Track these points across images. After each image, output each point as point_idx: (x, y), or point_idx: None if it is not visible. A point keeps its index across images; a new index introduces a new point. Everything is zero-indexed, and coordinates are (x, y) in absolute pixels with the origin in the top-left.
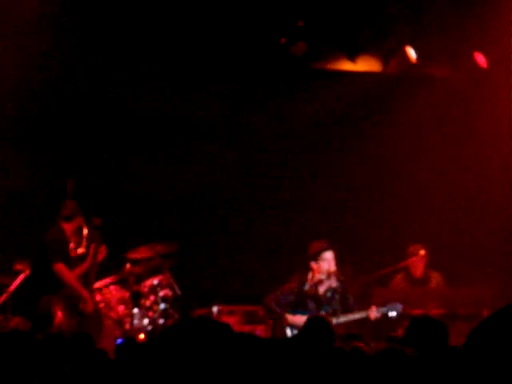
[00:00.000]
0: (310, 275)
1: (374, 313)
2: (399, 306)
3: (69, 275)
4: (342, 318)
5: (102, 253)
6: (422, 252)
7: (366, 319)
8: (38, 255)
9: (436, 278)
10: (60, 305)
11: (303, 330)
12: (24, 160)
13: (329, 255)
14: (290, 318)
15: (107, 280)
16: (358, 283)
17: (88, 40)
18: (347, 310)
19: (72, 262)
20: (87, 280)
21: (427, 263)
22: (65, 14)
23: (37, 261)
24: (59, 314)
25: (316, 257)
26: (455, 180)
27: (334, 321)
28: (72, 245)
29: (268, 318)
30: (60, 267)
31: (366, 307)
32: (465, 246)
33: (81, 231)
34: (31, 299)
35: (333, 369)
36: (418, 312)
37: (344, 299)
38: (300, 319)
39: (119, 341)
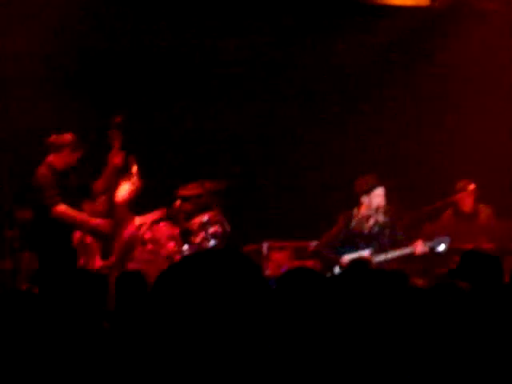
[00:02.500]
0: (355, 211)
1: (420, 247)
2: (447, 239)
3: (72, 215)
4: (390, 254)
5: (115, 158)
6: (471, 187)
7: (413, 255)
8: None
9: (486, 212)
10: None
11: (344, 270)
12: (69, 101)
13: (380, 191)
14: (344, 259)
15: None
16: (407, 218)
17: None
18: (396, 245)
19: (73, 195)
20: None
21: (476, 198)
22: None
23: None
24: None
25: (368, 191)
26: (504, 114)
27: (383, 257)
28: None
29: (321, 264)
30: (59, 210)
31: (413, 242)
32: None
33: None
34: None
35: (387, 304)
36: (467, 246)
37: (392, 234)
38: (352, 257)
39: None
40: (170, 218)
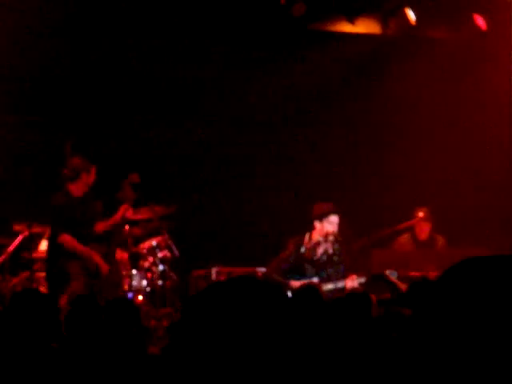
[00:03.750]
0: (306, 238)
1: (350, 282)
2: (394, 273)
3: (75, 246)
4: (329, 286)
5: (128, 211)
6: (421, 214)
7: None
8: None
9: (440, 241)
10: (77, 267)
11: (294, 295)
12: (23, 122)
13: (335, 219)
14: (294, 283)
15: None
16: (360, 244)
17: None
18: (340, 276)
19: (84, 225)
20: (111, 237)
21: (432, 226)
22: None
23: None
24: (75, 277)
25: (322, 217)
26: (457, 141)
27: (330, 286)
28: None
29: None
30: (65, 239)
31: (351, 274)
32: (470, 208)
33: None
34: (50, 260)
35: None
36: (415, 274)
37: (339, 264)
38: (300, 284)
39: (130, 295)
40: (119, 242)
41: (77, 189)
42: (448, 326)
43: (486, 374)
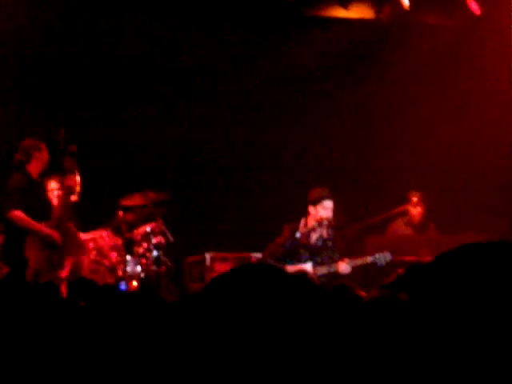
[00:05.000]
0: (302, 223)
1: (342, 267)
2: (388, 255)
3: (25, 220)
4: (323, 270)
5: (71, 181)
6: (414, 199)
7: (337, 273)
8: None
9: (432, 226)
10: (33, 246)
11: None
12: (15, 110)
13: (329, 204)
14: (289, 268)
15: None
16: (350, 231)
17: None
18: (334, 261)
19: (43, 205)
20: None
21: (425, 211)
22: None
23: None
24: (33, 256)
25: (316, 203)
26: (451, 127)
27: (325, 270)
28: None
29: None
30: (15, 214)
31: (340, 260)
32: (463, 192)
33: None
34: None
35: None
36: (409, 259)
37: (333, 250)
38: (295, 269)
39: (122, 286)
40: (113, 228)
41: (33, 169)
42: (443, 312)
43: (482, 362)
